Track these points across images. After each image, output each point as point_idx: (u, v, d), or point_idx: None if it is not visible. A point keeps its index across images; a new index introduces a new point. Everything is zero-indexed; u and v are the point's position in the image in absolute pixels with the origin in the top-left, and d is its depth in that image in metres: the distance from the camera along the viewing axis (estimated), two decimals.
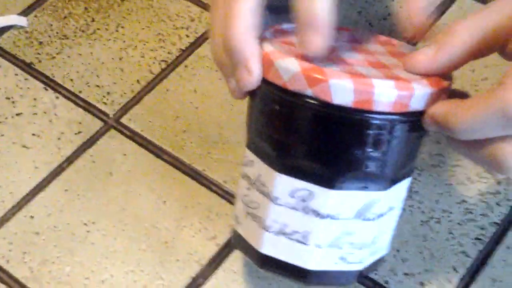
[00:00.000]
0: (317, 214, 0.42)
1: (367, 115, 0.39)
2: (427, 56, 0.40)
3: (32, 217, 0.55)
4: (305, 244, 0.43)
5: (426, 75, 0.40)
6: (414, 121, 0.40)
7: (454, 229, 0.54)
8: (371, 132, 0.40)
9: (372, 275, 0.52)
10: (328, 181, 0.41)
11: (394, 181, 0.43)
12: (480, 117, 0.37)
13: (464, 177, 0.57)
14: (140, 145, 0.60)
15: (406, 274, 0.52)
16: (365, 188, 0.41)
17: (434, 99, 0.40)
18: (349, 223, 0.42)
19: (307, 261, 0.43)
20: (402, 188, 0.44)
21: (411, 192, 0.56)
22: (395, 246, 0.53)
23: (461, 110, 0.38)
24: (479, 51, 0.40)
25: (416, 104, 0.40)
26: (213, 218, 0.55)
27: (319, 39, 0.40)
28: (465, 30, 0.40)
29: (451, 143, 0.41)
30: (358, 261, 0.44)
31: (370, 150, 0.40)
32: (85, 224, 0.55)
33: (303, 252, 0.43)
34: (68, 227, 0.55)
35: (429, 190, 0.56)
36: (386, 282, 0.52)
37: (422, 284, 0.51)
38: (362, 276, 0.46)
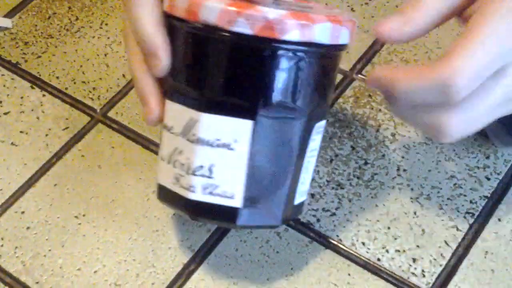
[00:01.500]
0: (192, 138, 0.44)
1: (271, 43, 0.41)
2: (394, 29, 0.40)
3: (23, 212, 0.55)
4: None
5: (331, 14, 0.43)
6: (317, 53, 0.42)
7: (444, 205, 0.54)
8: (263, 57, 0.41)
9: (363, 252, 0.52)
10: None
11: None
12: (424, 87, 0.38)
13: (452, 153, 0.57)
14: (128, 137, 0.60)
15: (397, 250, 0.52)
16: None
17: (334, 33, 0.42)
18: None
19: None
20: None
21: (399, 170, 0.56)
22: (386, 223, 0.53)
23: (405, 77, 0.39)
24: (443, 21, 0.40)
25: (318, 35, 0.41)
26: None
27: None
28: (431, 3, 0.40)
29: (391, 107, 0.42)
30: (228, 196, 0.44)
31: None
32: (76, 217, 0.55)
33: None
34: (59, 220, 0.55)
35: (417, 168, 0.56)
36: (378, 259, 0.52)
37: (414, 260, 0.51)
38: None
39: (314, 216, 0.54)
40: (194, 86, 0.43)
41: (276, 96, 0.42)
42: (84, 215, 0.55)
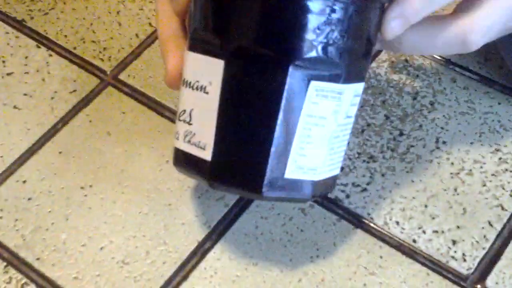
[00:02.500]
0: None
1: None
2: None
3: (24, 181, 0.51)
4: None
5: None
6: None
7: (488, 181, 0.49)
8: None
9: (397, 233, 0.47)
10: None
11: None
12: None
13: (497, 124, 0.51)
14: (140, 102, 0.55)
15: (435, 231, 0.47)
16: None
17: None
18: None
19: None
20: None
21: (437, 142, 0.50)
22: (422, 201, 0.48)
23: None
24: None
25: None
26: None
27: None
28: None
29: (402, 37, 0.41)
30: (201, 146, 0.40)
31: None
32: (82, 187, 0.50)
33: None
34: (63, 191, 0.50)
35: (458, 140, 0.50)
36: (414, 240, 0.46)
37: (454, 242, 0.46)
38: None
39: (343, 191, 0.49)
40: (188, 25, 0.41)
41: (250, 34, 0.37)
42: (90, 186, 0.50)
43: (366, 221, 0.48)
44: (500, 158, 0.49)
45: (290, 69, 0.37)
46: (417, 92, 0.53)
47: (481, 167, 0.49)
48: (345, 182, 0.49)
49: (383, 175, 0.49)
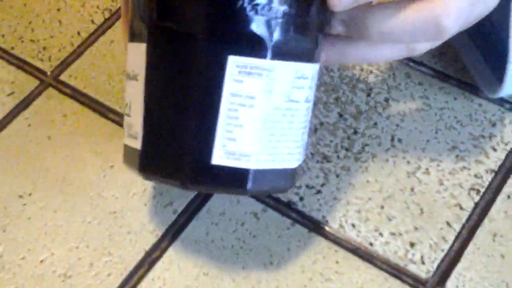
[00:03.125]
0: None
1: None
2: None
3: None
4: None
5: None
6: None
7: (445, 180, 0.47)
8: None
9: (353, 236, 0.45)
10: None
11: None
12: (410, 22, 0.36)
13: (454, 121, 0.50)
14: (83, 103, 0.52)
15: (393, 233, 0.45)
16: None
17: None
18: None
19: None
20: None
21: (393, 140, 0.49)
22: (378, 202, 0.46)
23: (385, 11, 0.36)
24: None
25: None
26: None
27: None
28: None
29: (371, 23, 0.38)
30: (135, 136, 0.38)
31: None
32: (20, 196, 0.47)
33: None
34: (0, 200, 0.47)
35: (414, 137, 0.49)
36: (371, 244, 0.45)
37: (412, 244, 0.45)
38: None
39: (296, 194, 0.47)
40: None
41: (162, 11, 0.36)
42: (30, 194, 0.47)
43: (321, 225, 0.46)
44: (457, 156, 0.48)
45: (205, 44, 0.35)
46: (371, 88, 0.51)
47: (438, 165, 0.48)
48: (298, 184, 0.47)
49: (337, 175, 0.48)
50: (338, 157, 0.48)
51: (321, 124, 0.50)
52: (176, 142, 0.37)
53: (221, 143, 0.36)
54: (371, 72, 0.52)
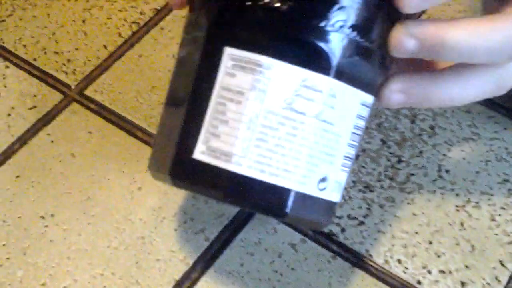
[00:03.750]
0: None
1: None
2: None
3: None
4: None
5: None
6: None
7: (497, 215, 0.44)
8: None
9: (400, 272, 0.42)
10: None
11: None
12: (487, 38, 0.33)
13: (504, 152, 0.47)
14: (108, 120, 0.49)
15: (442, 271, 0.42)
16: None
17: None
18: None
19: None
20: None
21: (440, 171, 0.46)
22: (426, 236, 0.43)
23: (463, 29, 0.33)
24: None
25: None
26: (200, 207, 0.45)
27: None
28: None
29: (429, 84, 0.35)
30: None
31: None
32: (42, 217, 0.44)
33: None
34: (21, 221, 0.44)
35: (463, 168, 0.46)
36: (419, 282, 0.42)
37: (463, 283, 0.41)
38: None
39: (337, 224, 0.44)
40: None
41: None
42: (52, 215, 0.44)
43: (365, 259, 0.42)
44: (509, 190, 0.45)
45: (205, 32, 0.34)
46: (415, 114, 0.49)
47: (489, 199, 0.45)
48: (339, 214, 0.44)
49: (381, 206, 0.45)
50: (381, 186, 0.45)
51: (363, 150, 0.47)
52: (167, 134, 0.36)
53: (205, 137, 0.34)
54: None
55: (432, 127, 0.48)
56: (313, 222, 0.36)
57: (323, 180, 0.35)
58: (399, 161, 0.46)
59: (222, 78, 0.34)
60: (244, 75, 0.34)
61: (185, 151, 0.34)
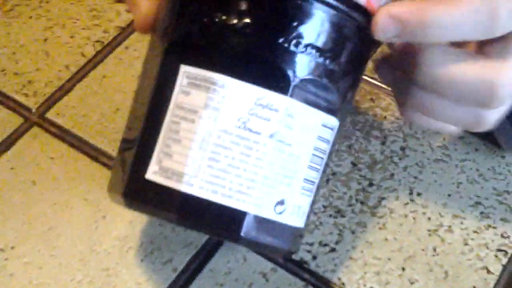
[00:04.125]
0: None
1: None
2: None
3: None
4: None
5: None
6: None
7: (470, 239, 0.43)
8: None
9: None
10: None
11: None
12: (462, 15, 0.32)
13: (475, 174, 0.46)
14: (71, 145, 0.47)
15: None
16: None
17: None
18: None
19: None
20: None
21: (411, 194, 0.45)
22: (399, 262, 0.42)
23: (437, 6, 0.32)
24: None
25: None
26: (168, 235, 0.43)
27: None
28: None
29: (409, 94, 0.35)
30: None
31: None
32: (2, 249, 0.43)
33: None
34: None
35: (434, 191, 0.45)
36: None
37: None
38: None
39: (308, 252, 0.43)
40: None
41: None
42: (12, 248, 0.43)
43: (337, 287, 0.41)
44: (481, 212, 0.44)
45: (163, 50, 0.34)
46: (385, 136, 0.48)
47: (462, 222, 0.44)
48: (310, 240, 0.43)
49: (353, 232, 0.44)
50: (353, 211, 0.44)
51: (334, 174, 0.46)
52: (125, 155, 0.35)
53: (158, 157, 0.33)
54: (385, 117, 0.49)
55: (402, 149, 0.47)
56: (273, 248, 0.35)
57: (280, 203, 0.34)
58: (370, 184, 0.46)
59: (176, 96, 0.33)
60: (198, 93, 0.33)
61: (138, 171, 0.34)
